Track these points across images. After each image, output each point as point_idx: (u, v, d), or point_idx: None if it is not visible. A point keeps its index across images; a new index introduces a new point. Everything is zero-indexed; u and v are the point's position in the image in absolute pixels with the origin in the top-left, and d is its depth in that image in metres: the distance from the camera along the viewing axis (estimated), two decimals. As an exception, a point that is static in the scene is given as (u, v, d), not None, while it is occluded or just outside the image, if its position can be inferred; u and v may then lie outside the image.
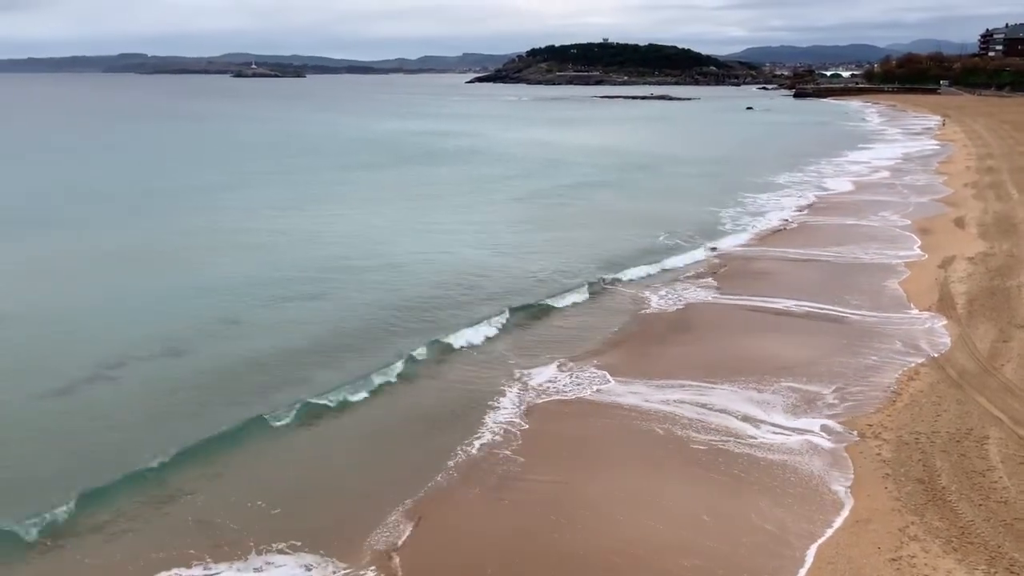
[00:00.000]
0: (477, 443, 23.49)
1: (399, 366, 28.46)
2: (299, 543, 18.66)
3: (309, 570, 17.74)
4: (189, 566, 17.83)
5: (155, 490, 20.83)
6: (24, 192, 68.15)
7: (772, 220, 57.73)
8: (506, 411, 25.59)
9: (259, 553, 18.33)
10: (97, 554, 18.34)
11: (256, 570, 17.77)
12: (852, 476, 21.46)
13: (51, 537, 18.87)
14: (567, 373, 28.66)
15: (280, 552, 18.38)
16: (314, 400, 26.00)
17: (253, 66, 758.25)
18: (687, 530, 19.19)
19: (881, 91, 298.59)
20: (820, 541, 18.70)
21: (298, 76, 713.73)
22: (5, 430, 24.15)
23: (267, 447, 23.43)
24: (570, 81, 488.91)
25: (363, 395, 26.62)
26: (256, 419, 24.59)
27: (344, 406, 25.91)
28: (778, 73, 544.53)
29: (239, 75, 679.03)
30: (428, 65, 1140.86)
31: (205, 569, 17.76)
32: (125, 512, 19.89)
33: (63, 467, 22.02)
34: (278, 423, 24.62)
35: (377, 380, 27.58)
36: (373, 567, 17.90)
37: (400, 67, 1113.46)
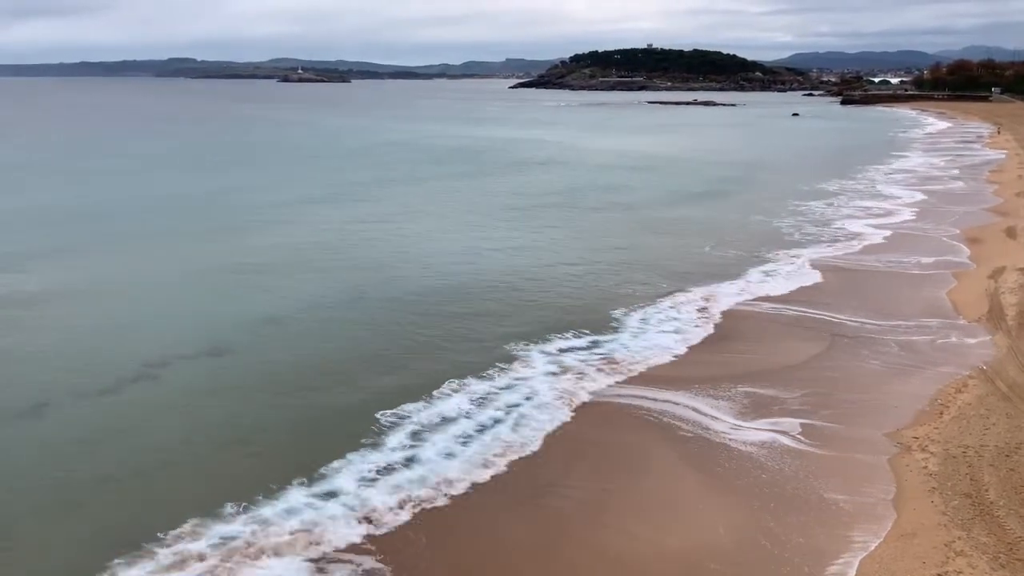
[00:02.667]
0: (505, 448, 23.64)
1: (447, 378, 28.17)
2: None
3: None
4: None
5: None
6: (110, 202, 67.05)
7: (828, 232, 57.06)
8: (541, 415, 25.72)
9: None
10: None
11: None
12: (895, 489, 21.14)
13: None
14: (619, 385, 28.66)
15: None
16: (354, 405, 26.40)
17: (300, 71, 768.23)
18: (726, 541, 19.07)
19: (931, 98, 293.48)
20: (863, 554, 18.45)
21: (343, 81, 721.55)
22: (62, 424, 24.99)
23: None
24: (613, 87, 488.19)
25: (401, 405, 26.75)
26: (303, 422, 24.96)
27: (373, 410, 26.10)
28: (825, 79, 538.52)
29: (285, 80, 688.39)
30: (472, 70, 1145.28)
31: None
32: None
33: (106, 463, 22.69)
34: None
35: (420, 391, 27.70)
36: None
37: (444, 72, 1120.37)
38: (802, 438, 24.15)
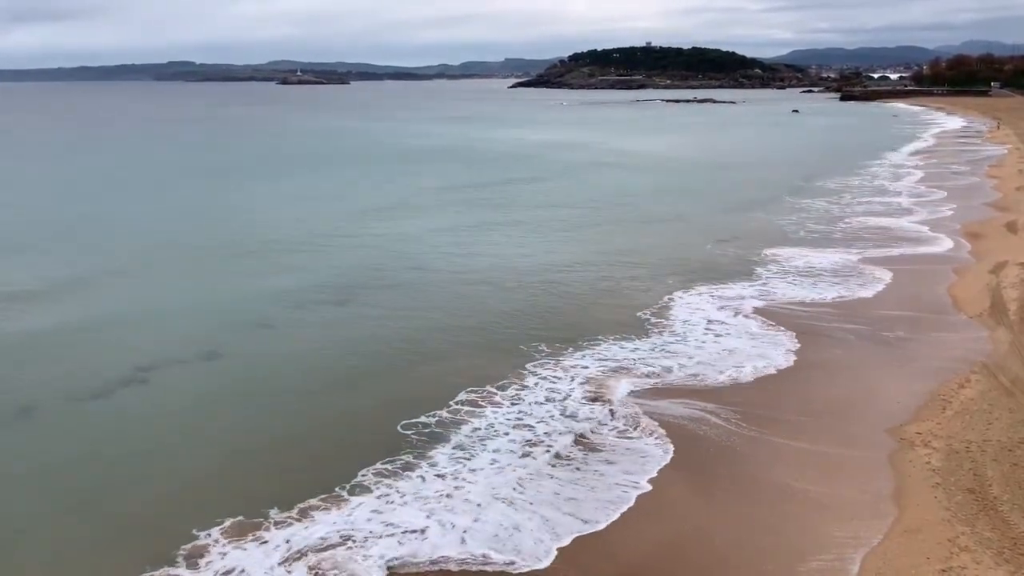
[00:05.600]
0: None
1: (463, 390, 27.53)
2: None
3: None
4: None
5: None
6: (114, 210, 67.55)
7: (835, 230, 57.10)
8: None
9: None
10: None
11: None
12: (898, 484, 21.08)
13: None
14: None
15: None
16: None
17: (298, 73, 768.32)
18: (731, 535, 19.06)
19: (930, 93, 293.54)
20: (866, 550, 18.40)
21: (342, 83, 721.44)
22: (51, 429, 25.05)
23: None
24: (612, 85, 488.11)
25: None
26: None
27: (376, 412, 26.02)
28: (824, 76, 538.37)
29: (284, 82, 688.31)
30: (471, 71, 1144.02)
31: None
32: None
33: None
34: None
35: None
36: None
37: (443, 73, 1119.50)
38: (805, 435, 24.11)
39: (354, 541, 18.88)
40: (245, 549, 18.54)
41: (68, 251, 48.61)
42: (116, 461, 22.97)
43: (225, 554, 18.33)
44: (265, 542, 18.80)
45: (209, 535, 18.97)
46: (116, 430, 24.92)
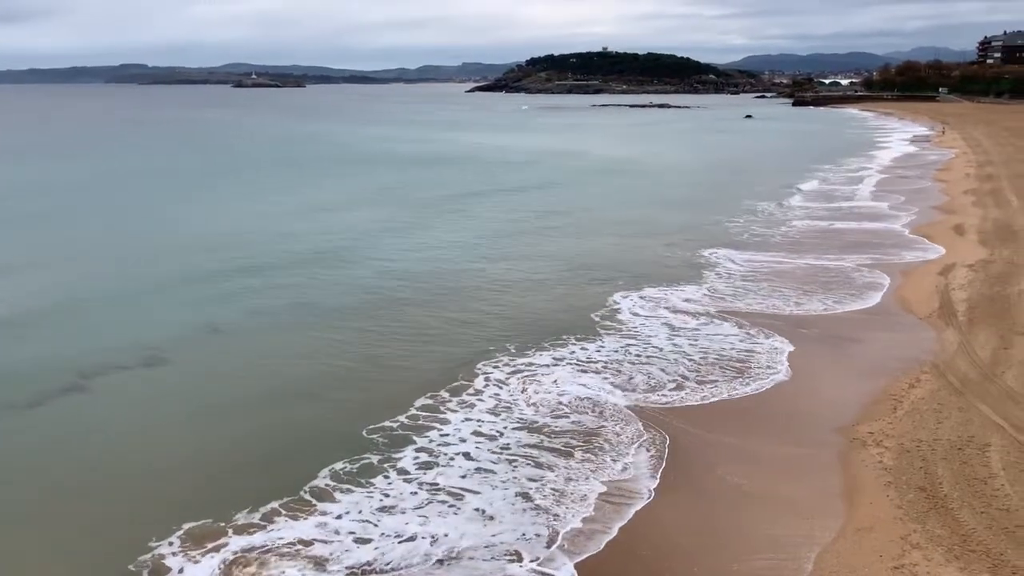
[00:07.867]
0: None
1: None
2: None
3: None
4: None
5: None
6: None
7: (777, 233, 57.85)
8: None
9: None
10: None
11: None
12: (850, 484, 21.37)
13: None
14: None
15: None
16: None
17: (253, 76, 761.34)
18: (679, 535, 19.16)
19: (880, 99, 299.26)
20: (819, 549, 18.59)
21: (298, 86, 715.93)
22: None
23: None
24: (569, 90, 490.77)
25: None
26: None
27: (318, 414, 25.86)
28: (777, 81, 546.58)
29: (239, 85, 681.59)
30: (428, 75, 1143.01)
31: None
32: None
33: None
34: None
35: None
36: None
37: (400, 77, 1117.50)
38: (754, 435, 24.32)
39: (326, 547, 18.46)
40: (201, 560, 17.98)
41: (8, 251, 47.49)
42: (64, 471, 22.21)
43: (185, 565, 17.80)
44: (225, 548, 18.30)
45: (170, 544, 18.43)
46: (62, 438, 24.10)
